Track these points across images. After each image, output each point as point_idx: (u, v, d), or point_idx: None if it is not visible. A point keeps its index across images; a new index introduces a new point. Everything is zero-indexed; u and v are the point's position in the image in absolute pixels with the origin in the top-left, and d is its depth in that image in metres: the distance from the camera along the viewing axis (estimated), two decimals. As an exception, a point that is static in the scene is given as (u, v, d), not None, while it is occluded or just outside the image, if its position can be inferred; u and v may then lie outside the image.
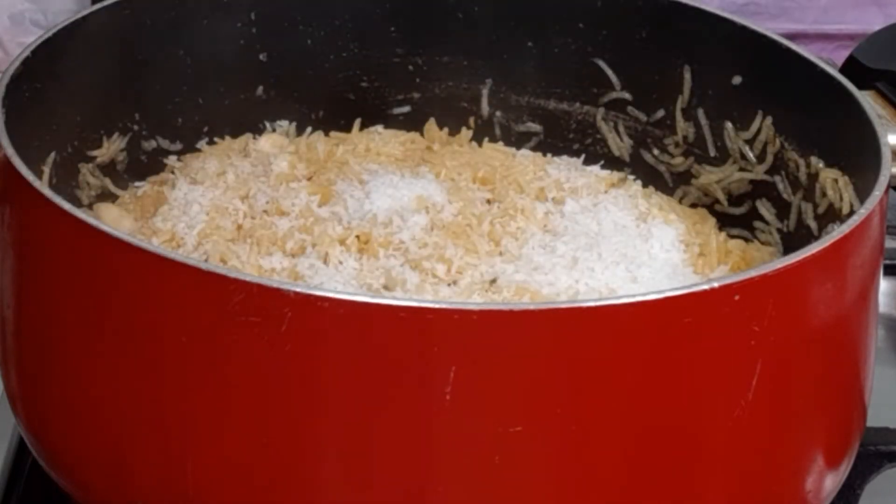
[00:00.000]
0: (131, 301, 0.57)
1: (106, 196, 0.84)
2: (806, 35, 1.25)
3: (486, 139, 0.92)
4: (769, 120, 0.79)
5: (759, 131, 0.80)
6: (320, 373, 0.53)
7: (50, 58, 0.75)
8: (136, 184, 0.86)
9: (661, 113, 0.87)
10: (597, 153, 0.91)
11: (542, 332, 0.51)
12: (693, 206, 0.86)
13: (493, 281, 0.71)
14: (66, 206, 0.57)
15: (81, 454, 0.64)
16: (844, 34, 1.22)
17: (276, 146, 0.90)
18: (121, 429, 0.60)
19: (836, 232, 0.57)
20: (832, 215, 0.74)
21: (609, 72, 0.88)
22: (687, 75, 0.84)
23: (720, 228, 0.84)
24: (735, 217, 0.84)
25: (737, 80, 0.81)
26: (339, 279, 0.72)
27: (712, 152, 0.85)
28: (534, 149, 0.92)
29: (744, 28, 0.80)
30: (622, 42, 0.87)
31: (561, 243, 0.76)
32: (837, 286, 0.58)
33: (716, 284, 0.51)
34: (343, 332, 0.52)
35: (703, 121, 0.85)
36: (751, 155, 0.82)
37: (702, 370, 0.54)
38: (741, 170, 0.83)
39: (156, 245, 0.53)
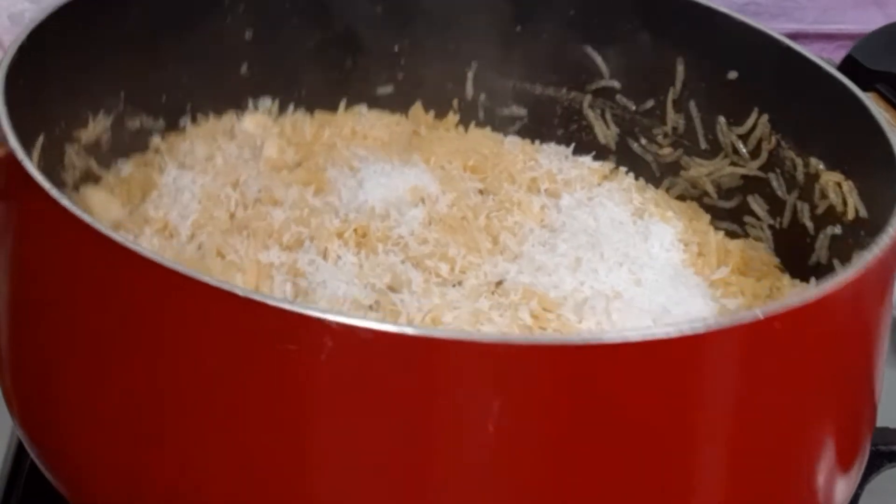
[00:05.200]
0: (155, 320, 0.56)
1: (89, 177, 0.82)
2: (806, 35, 1.25)
3: (472, 123, 0.91)
4: (765, 117, 0.79)
5: (754, 127, 0.80)
6: (359, 404, 0.52)
7: (42, 42, 0.73)
8: (120, 162, 0.83)
9: (650, 103, 0.87)
10: (582, 140, 0.91)
11: (591, 366, 0.51)
12: (681, 198, 0.86)
13: (499, 283, 0.70)
14: (87, 218, 0.55)
15: (82, 462, 0.63)
16: (844, 34, 1.22)
17: (260, 126, 0.88)
18: (133, 443, 0.59)
19: (874, 252, 0.57)
20: (832, 217, 0.75)
21: (598, 59, 0.88)
22: (680, 67, 0.84)
23: (710, 222, 0.84)
24: (725, 210, 0.84)
25: (732, 74, 0.81)
26: (341, 277, 0.71)
27: (703, 145, 0.85)
28: (518, 133, 0.92)
29: (741, 23, 0.80)
30: (614, 30, 0.87)
31: (561, 241, 0.75)
32: (866, 302, 0.58)
33: (760, 315, 0.51)
34: (385, 364, 0.51)
35: (695, 113, 0.84)
36: (744, 150, 0.82)
37: (746, 396, 0.54)
38: (733, 164, 0.83)
39: (182, 266, 0.51)
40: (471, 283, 0.71)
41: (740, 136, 0.82)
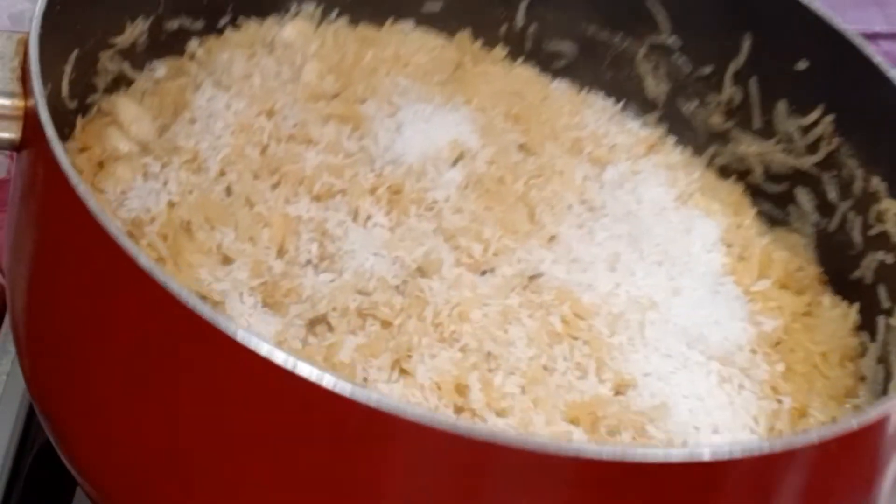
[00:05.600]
0: (174, 357, 0.54)
1: (122, 80, 0.78)
2: None
3: (519, 59, 0.87)
4: (831, 117, 0.76)
5: (815, 123, 0.77)
6: (380, 484, 0.51)
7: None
8: (154, 64, 0.80)
9: (708, 69, 0.83)
10: (630, 90, 0.87)
11: (619, 483, 0.49)
12: (725, 170, 0.83)
13: (533, 278, 0.68)
14: (133, 250, 0.52)
15: (101, 462, 0.62)
16: None
17: (301, 35, 0.84)
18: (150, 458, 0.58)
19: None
20: (885, 245, 0.72)
21: (661, 14, 0.84)
22: (746, 43, 0.80)
23: (751, 197, 0.81)
24: (769, 194, 0.81)
25: (802, 65, 0.77)
26: (370, 247, 0.68)
27: (757, 124, 0.82)
28: (565, 71, 0.88)
29: (819, 18, 0.76)
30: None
31: (599, 227, 0.73)
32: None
33: (815, 440, 0.49)
34: (413, 452, 0.49)
35: (754, 91, 0.81)
36: (800, 143, 0.79)
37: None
38: (785, 152, 0.80)
39: (231, 325, 0.49)
40: (503, 271, 0.68)
41: (800, 128, 0.78)
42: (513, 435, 0.53)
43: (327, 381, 0.49)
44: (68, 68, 0.72)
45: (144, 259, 0.52)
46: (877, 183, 0.73)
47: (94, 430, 0.60)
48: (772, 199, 0.82)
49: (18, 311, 0.65)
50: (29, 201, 0.62)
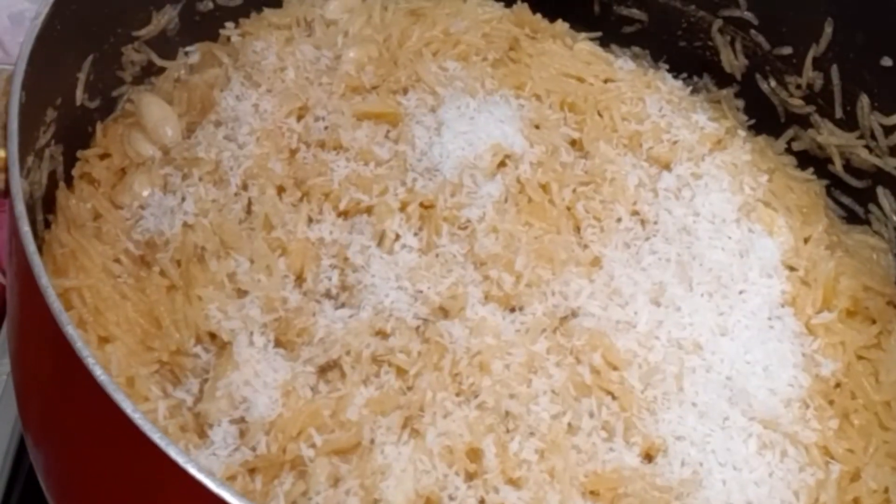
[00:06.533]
0: None
1: (151, 68, 0.74)
2: None
3: (583, 24, 0.80)
4: (918, 123, 0.68)
5: (898, 126, 0.70)
6: None
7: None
8: (188, 49, 0.76)
9: (787, 50, 0.76)
10: (705, 60, 0.81)
11: None
12: (803, 155, 0.76)
13: (564, 319, 0.63)
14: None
15: None
16: None
17: (347, 10, 0.79)
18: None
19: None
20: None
21: (739, -13, 0.76)
22: (828, 28, 0.73)
23: (830, 190, 0.75)
24: (850, 187, 0.75)
25: (886, 61, 0.69)
26: (391, 277, 0.64)
27: (838, 114, 0.75)
28: (635, 39, 0.81)
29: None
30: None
31: (647, 249, 0.67)
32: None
33: None
34: None
35: (836, 79, 0.74)
36: (884, 142, 0.72)
37: None
38: (867, 148, 0.73)
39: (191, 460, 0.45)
40: (533, 308, 0.63)
41: (882, 126, 0.71)
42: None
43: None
44: (82, 75, 0.68)
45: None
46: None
47: None
48: (853, 193, 0.75)
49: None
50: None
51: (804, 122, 0.77)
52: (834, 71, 0.74)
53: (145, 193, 0.68)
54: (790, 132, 0.78)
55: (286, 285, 0.64)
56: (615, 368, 0.61)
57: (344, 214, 0.68)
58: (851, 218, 0.75)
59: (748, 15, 0.76)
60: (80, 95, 0.67)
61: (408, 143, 0.71)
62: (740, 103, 0.79)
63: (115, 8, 0.69)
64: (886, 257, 0.72)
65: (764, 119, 0.79)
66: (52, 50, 0.62)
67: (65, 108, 0.66)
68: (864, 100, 0.72)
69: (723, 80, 0.80)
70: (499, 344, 0.61)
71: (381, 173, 0.69)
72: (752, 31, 0.77)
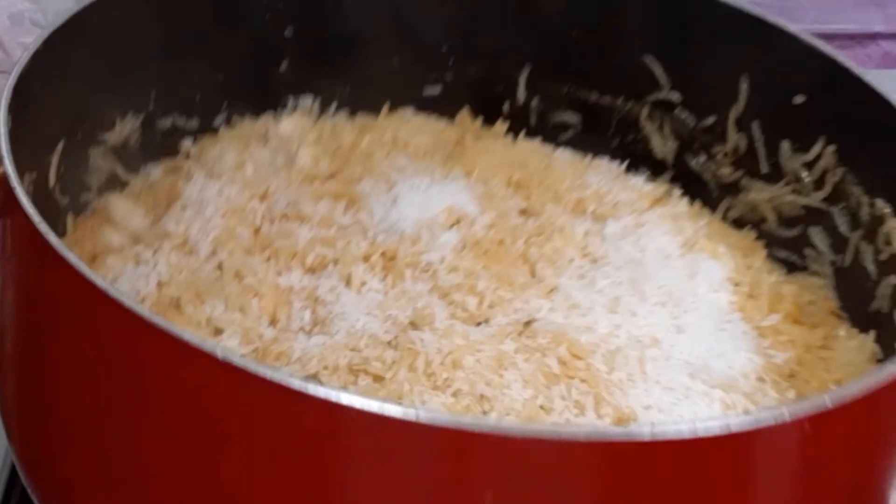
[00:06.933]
0: (142, 380, 0.52)
1: (116, 181, 0.78)
2: None
3: (523, 132, 0.86)
4: (832, 148, 0.74)
5: (819, 157, 0.75)
6: (345, 484, 0.49)
7: (62, 45, 0.69)
8: (149, 166, 0.80)
9: (711, 119, 0.82)
10: (638, 152, 0.86)
11: (585, 462, 0.46)
12: (739, 222, 0.81)
13: (528, 323, 0.66)
14: (88, 272, 0.51)
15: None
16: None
17: (298, 128, 0.84)
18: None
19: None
20: (894, 267, 0.69)
21: (658, 69, 0.82)
22: (744, 85, 0.78)
23: (768, 251, 0.79)
24: (785, 239, 0.79)
25: (799, 98, 0.75)
26: (361, 308, 0.67)
27: (764, 168, 0.79)
28: (571, 143, 0.87)
29: (810, 47, 0.74)
30: (676, 41, 0.81)
31: (601, 275, 0.70)
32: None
33: (788, 419, 0.46)
34: (371, 445, 0.47)
35: (758, 134, 0.79)
36: (807, 179, 0.76)
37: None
38: (795, 192, 0.78)
39: (184, 331, 0.47)
40: (498, 320, 0.66)
41: (804, 164, 0.76)
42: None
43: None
44: (54, 159, 0.71)
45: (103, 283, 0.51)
46: (881, 205, 0.71)
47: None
48: (788, 245, 0.79)
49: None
50: (9, 263, 0.62)
51: (736, 189, 0.82)
52: (755, 127, 0.79)
53: (119, 268, 0.71)
54: (725, 203, 0.82)
55: (261, 324, 0.67)
56: (580, 358, 0.64)
57: (311, 271, 0.71)
58: (790, 270, 0.79)
59: (673, 94, 0.82)
60: (52, 178, 0.71)
61: (367, 213, 0.75)
62: (683, 203, 0.83)
63: (82, 98, 0.72)
64: (827, 289, 0.75)
65: (699, 196, 0.83)
66: (29, 114, 0.65)
67: (39, 188, 0.69)
68: (785, 145, 0.77)
69: (657, 169, 0.85)
70: (468, 343, 0.64)
71: (343, 234, 0.72)
72: (677, 110, 0.83)
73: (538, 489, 0.47)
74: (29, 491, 0.64)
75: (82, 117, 0.74)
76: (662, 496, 0.47)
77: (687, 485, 0.47)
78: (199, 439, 0.53)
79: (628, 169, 0.83)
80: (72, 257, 0.54)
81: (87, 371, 0.56)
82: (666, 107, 0.83)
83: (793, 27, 0.75)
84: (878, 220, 0.70)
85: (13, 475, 0.73)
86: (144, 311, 0.50)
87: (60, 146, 0.72)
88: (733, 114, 0.80)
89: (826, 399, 0.47)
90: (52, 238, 0.55)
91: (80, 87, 0.72)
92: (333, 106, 0.86)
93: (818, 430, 0.47)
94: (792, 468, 0.49)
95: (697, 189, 0.83)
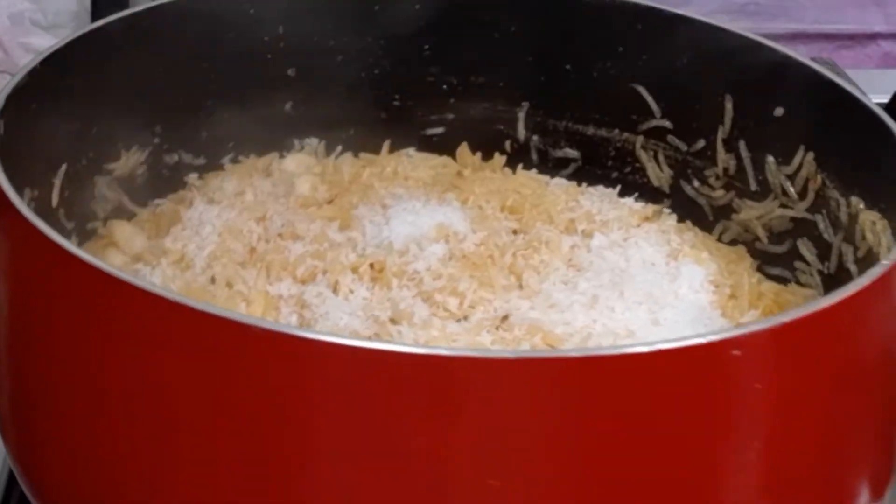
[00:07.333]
0: (142, 345, 0.54)
1: (122, 212, 0.81)
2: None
3: (521, 165, 0.88)
4: (811, 155, 0.75)
5: (800, 166, 0.76)
6: (313, 414, 0.51)
7: (62, 67, 0.72)
8: (157, 201, 0.83)
9: (701, 143, 0.83)
10: (636, 183, 0.87)
11: (539, 380, 0.48)
12: (733, 242, 0.82)
13: (505, 318, 0.67)
14: (59, 239, 0.54)
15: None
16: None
17: (301, 166, 0.87)
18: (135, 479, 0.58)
19: (854, 284, 0.53)
20: (872, 260, 0.70)
21: (649, 98, 0.84)
22: (728, 104, 0.80)
23: (760, 268, 0.80)
24: (776, 256, 0.80)
25: (779, 111, 0.77)
26: (345, 309, 0.69)
27: (753, 186, 0.81)
28: (571, 176, 0.89)
29: (787, 57, 0.76)
30: (662, 68, 0.83)
31: (583, 280, 0.72)
32: (857, 338, 0.54)
33: (715, 338, 0.47)
34: (335, 375, 0.49)
35: (745, 153, 0.81)
36: (792, 191, 0.78)
37: (707, 419, 0.51)
38: (782, 206, 0.79)
39: (149, 282, 0.50)
40: (477, 317, 0.67)
41: (788, 176, 0.77)
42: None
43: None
44: (57, 181, 0.74)
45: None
46: (855, 202, 0.72)
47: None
48: (780, 260, 0.80)
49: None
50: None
51: (728, 211, 0.83)
52: (742, 146, 0.81)
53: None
54: (719, 226, 0.84)
55: (248, 326, 0.68)
56: (553, 346, 0.65)
57: (302, 282, 0.73)
58: (783, 284, 0.80)
59: (664, 122, 0.84)
60: (55, 198, 0.73)
61: (359, 232, 0.77)
62: (673, 218, 0.85)
63: (83, 127, 0.75)
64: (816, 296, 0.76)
65: (697, 224, 0.85)
66: (29, 132, 0.68)
67: (40, 205, 0.72)
68: (770, 160, 0.79)
69: (656, 198, 0.87)
70: (444, 335, 0.66)
71: (335, 248, 0.75)
72: (670, 137, 0.85)
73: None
74: (27, 493, 0.66)
75: (86, 143, 0.77)
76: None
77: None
78: (207, 444, 0.55)
79: (623, 194, 0.85)
80: (65, 242, 0.56)
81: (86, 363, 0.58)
82: (658, 135, 0.85)
83: (767, 41, 0.76)
84: (853, 218, 0.71)
85: (13, 476, 0.73)
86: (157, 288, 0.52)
87: (63, 169, 0.74)
88: (720, 134, 0.81)
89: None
90: (41, 225, 0.57)
91: (82, 111, 0.75)
92: (339, 148, 0.89)
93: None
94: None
95: (694, 215, 0.85)
